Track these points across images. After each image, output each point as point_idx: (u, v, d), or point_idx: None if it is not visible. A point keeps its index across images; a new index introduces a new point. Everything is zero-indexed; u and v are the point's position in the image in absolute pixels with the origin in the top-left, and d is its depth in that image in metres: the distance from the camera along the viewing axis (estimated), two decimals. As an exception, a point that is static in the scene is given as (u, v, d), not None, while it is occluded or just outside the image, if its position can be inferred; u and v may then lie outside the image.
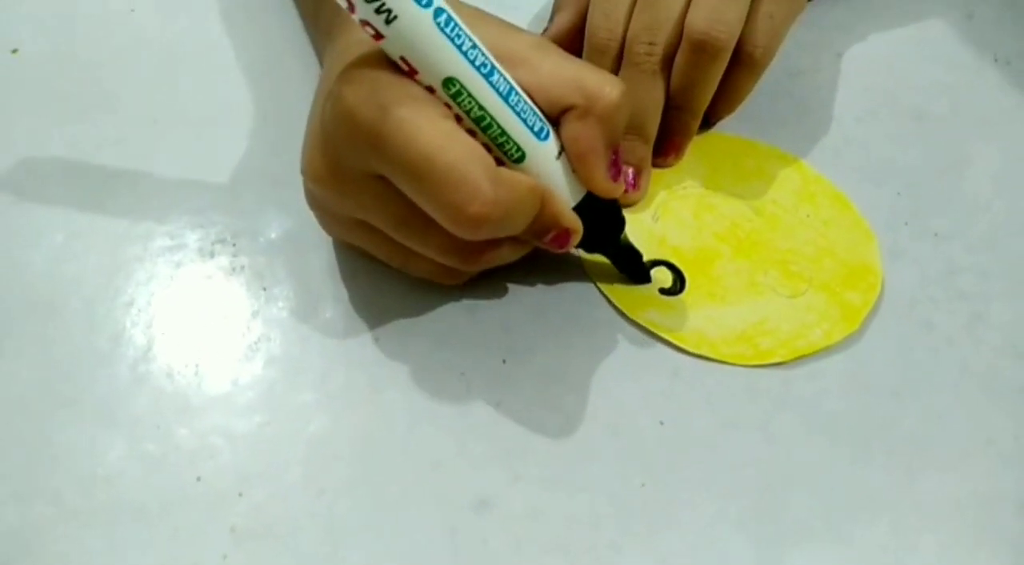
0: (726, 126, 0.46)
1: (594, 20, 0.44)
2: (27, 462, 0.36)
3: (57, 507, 0.35)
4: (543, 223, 0.36)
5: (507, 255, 0.38)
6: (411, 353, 0.39)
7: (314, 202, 0.38)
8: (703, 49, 0.41)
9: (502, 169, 0.34)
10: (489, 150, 0.35)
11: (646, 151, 0.44)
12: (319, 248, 0.41)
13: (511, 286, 0.41)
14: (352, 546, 0.35)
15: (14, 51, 0.47)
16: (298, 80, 0.47)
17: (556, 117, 0.36)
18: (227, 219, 0.42)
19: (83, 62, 0.47)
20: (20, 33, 0.48)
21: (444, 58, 0.33)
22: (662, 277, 0.41)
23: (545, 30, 0.48)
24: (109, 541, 0.34)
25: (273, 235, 0.42)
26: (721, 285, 0.41)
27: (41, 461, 0.36)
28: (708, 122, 0.46)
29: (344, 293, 0.40)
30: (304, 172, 0.36)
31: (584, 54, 0.45)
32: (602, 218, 0.38)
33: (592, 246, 0.40)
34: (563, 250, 0.38)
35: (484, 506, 0.35)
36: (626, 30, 0.43)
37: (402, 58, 0.33)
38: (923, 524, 0.36)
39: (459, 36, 0.33)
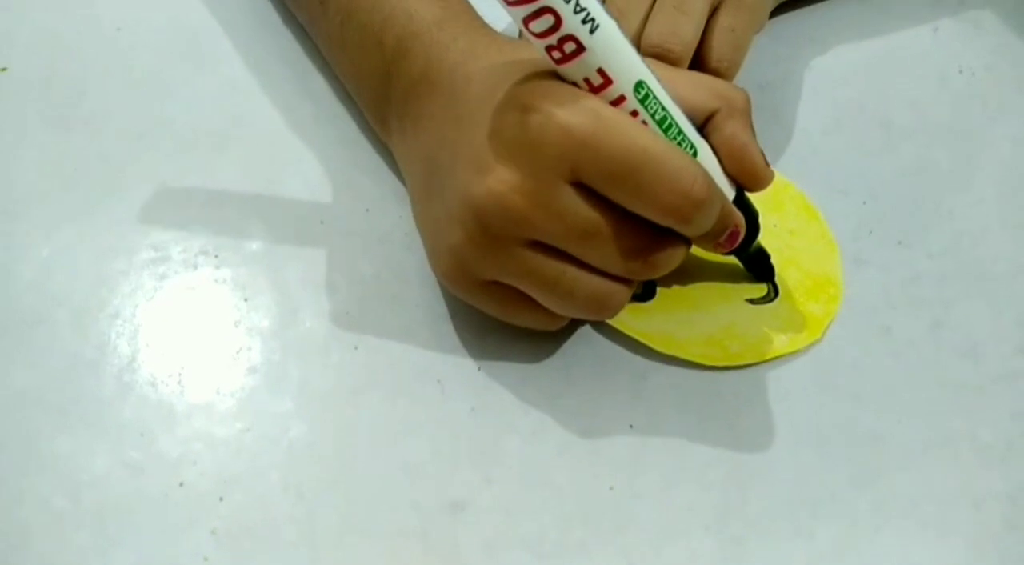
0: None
1: None
2: (15, 468, 0.37)
3: (44, 512, 0.36)
4: (722, 219, 0.37)
5: (676, 258, 0.37)
6: (389, 361, 0.40)
7: (477, 230, 0.36)
8: (658, 62, 0.42)
9: None
10: None
11: None
12: (299, 260, 0.42)
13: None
14: (329, 548, 0.36)
15: (3, 69, 0.48)
16: (282, 95, 0.48)
17: (698, 125, 0.37)
18: (210, 231, 0.43)
19: (70, 80, 0.48)
20: (9, 52, 0.49)
21: (634, 62, 0.34)
22: (633, 284, 0.42)
23: None
24: (94, 544, 0.35)
25: (254, 247, 0.43)
26: (691, 292, 0.42)
27: (29, 467, 0.37)
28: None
29: (323, 303, 0.41)
30: (489, 197, 0.35)
31: None
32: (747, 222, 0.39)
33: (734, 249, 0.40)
34: (729, 250, 0.39)
35: (457, 508, 0.37)
36: None
37: (599, 70, 0.33)
38: (882, 520, 0.37)
39: (630, 42, 0.34)
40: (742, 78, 0.45)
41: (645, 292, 0.42)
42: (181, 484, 0.37)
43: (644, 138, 0.34)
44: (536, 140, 0.34)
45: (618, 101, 0.34)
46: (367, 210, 0.44)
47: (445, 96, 0.39)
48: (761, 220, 0.44)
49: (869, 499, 0.37)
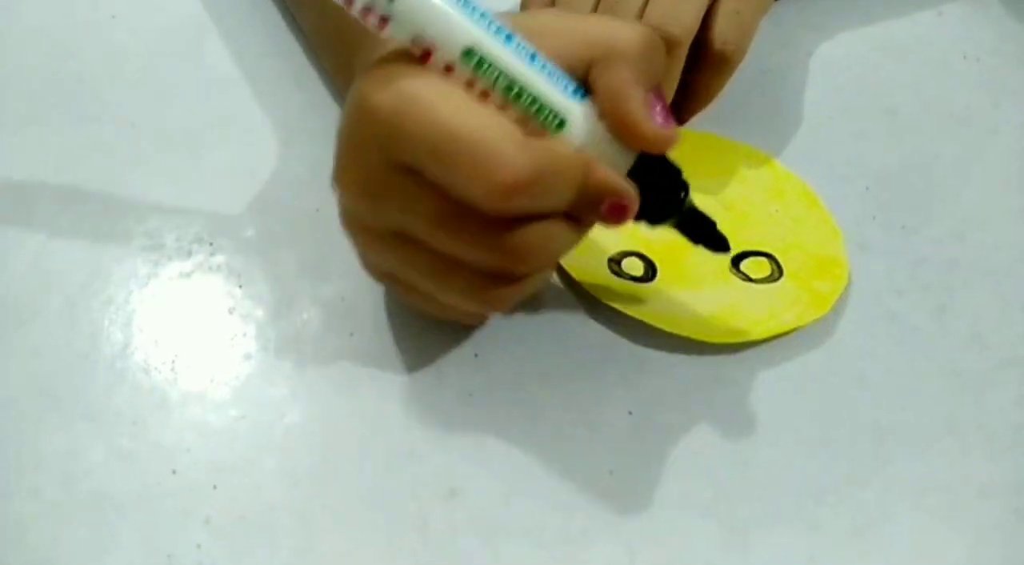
0: (697, 124, 0.47)
1: None
2: (7, 458, 0.37)
3: (37, 502, 0.36)
4: (592, 193, 0.33)
5: (560, 240, 0.34)
6: (384, 347, 0.39)
7: (351, 220, 0.35)
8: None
9: (533, 138, 0.32)
10: (527, 124, 0.33)
11: None
12: (294, 246, 0.42)
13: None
14: (325, 536, 0.35)
15: (-2, 59, 0.48)
16: (277, 84, 0.47)
17: (586, 79, 0.34)
18: (204, 219, 0.43)
19: (64, 68, 0.48)
20: (3, 43, 0.49)
21: (457, 28, 0.31)
22: (633, 266, 0.42)
23: None
24: (87, 534, 0.35)
25: (249, 234, 0.42)
26: (692, 272, 0.42)
27: (21, 457, 0.37)
28: (680, 119, 0.47)
29: (319, 290, 0.41)
30: (335, 184, 0.34)
31: None
32: (661, 182, 0.35)
33: (655, 216, 0.36)
34: (622, 223, 0.34)
35: (454, 495, 0.36)
36: None
37: (414, 40, 0.31)
38: (887, 509, 0.36)
39: (466, 5, 0.32)
40: (744, 64, 0.44)
41: (646, 273, 0.42)
42: (174, 472, 0.36)
43: (453, 118, 0.31)
44: (351, 122, 0.33)
45: (447, 70, 0.32)
46: (363, 197, 0.43)
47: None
48: (766, 209, 0.44)
49: (873, 486, 0.37)
